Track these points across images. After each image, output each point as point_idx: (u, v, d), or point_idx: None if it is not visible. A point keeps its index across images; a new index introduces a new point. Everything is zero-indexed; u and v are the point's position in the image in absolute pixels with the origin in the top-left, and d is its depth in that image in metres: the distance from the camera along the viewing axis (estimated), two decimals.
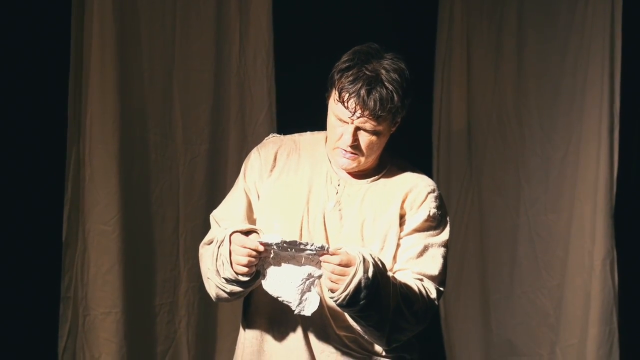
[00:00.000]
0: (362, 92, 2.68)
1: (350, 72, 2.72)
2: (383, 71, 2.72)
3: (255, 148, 2.98)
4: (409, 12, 5.31)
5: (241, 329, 2.94)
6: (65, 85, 4.23)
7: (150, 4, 4.43)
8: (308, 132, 3.02)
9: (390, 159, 2.94)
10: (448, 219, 2.92)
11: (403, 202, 2.85)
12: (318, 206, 2.84)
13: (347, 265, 2.58)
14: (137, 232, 4.47)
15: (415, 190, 2.86)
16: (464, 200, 5.34)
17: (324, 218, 2.83)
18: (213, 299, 2.87)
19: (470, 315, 5.33)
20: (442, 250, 2.85)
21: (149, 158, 4.51)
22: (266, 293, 2.70)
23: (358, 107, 2.70)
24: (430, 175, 2.95)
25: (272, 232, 2.72)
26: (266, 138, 3.02)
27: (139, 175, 4.47)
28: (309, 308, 2.68)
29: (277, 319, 2.83)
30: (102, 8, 4.22)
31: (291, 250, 2.62)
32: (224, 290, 2.77)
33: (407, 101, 2.77)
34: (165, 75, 4.52)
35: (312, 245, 2.60)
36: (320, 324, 2.80)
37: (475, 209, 5.32)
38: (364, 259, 2.60)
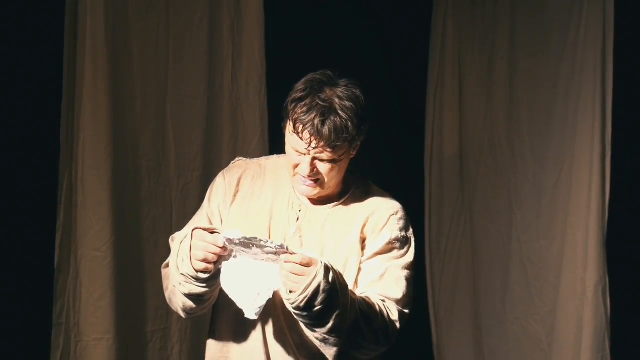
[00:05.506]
0: (316, 122, 2.64)
1: (304, 102, 2.68)
2: (337, 99, 2.68)
3: (221, 172, 2.97)
4: (401, 39, 5.33)
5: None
6: (57, 111, 4.23)
7: (143, 30, 4.44)
8: (274, 155, 3.00)
9: (355, 182, 2.92)
10: (413, 240, 2.87)
11: (364, 226, 2.83)
12: (279, 233, 2.83)
13: (307, 266, 2.54)
14: (130, 258, 4.45)
15: (377, 214, 2.84)
16: (456, 226, 5.34)
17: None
18: (181, 313, 2.87)
19: (463, 342, 5.32)
20: (405, 272, 2.82)
21: (142, 184, 4.50)
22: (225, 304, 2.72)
23: (313, 138, 2.66)
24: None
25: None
26: (232, 162, 3.00)
27: (132, 201, 4.46)
28: (258, 312, 2.66)
29: (239, 328, 2.82)
30: (95, 34, 4.22)
31: (252, 247, 2.58)
32: (183, 293, 2.74)
33: (364, 127, 2.73)
34: (158, 102, 4.52)
35: (272, 243, 2.56)
36: (280, 330, 2.78)
37: (467, 235, 5.32)
38: (325, 264, 2.55)
